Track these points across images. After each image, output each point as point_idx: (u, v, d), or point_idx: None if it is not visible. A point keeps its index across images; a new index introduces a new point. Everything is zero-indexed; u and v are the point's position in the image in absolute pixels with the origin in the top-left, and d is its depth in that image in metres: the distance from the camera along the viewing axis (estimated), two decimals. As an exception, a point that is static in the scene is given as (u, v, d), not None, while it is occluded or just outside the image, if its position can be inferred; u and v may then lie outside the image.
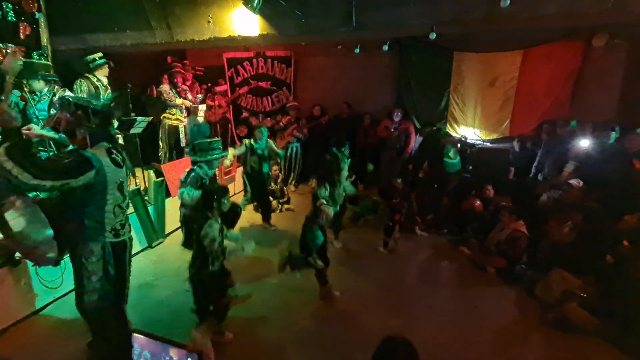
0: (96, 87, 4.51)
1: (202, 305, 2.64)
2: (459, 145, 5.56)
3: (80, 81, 4.47)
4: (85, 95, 4.30)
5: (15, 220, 2.35)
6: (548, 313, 3.10)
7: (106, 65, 4.62)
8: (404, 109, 6.69)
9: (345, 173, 3.57)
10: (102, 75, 4.60)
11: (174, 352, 1.00)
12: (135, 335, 1.04)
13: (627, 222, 3.46)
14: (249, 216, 5.22)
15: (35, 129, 3.44)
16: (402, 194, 4.62)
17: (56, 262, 2.33)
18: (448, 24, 4.58)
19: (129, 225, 2.46)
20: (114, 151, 2.25)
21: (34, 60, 4.15)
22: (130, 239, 2.47)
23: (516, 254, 3.83)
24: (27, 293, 3.07)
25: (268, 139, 4.96)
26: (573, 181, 4.25)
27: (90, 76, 4.54)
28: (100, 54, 4.62)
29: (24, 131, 3.61)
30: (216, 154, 3.55)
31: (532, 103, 6.03)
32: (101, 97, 4.52)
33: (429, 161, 5.64)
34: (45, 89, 3.85)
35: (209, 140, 3.55)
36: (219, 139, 3.84)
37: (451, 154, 5.28)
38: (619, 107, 5.58)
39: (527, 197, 4.95)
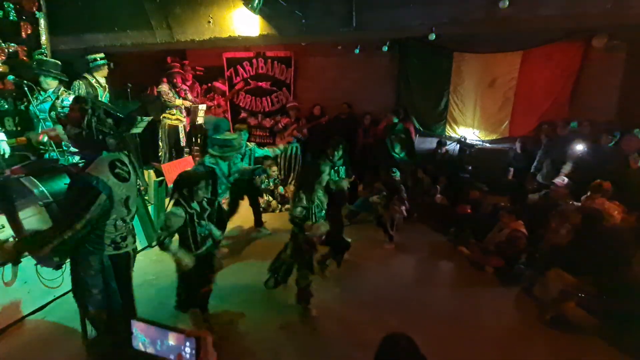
0: (94, 88, 4.50)
1: (183, 296, 2.69)
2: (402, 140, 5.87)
3: (79, 82, 4.46)
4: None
5: (29, 219, 2.37)
6: (546, 312, 3.12)
7: (106, 66, 4.60)
8: (404, 109, 6.70)
9: (325, 176, 3.45)
10: (100, 76, 4.59)
11: (172, 337, 0.99)
12: (134, 322, 1.04)
13: (626, 220, 3.48)
14: (242, 221, 5.19)
15: (60, 132, 3.44)
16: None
17: (58, 266, 2.32)
18: (448, 24, 4.59)
19: (133, 236, 2.33)
20: (118, 164, 2.07)
21: (47, 59, 4.15)
22: (135, 250, 2.36)
23: (515, 253, 3.84)
24: (28, 292, 3.08)
25: (248, 143, 4.70)
26: (557, 180, 4.31)
27: (88, 77, 4.53)
28: (102, 55, 4.61)
29: (46, 131, 3.65)
30: (228, 151, 3.76)
31: (532, 104, 6.04)
32: (99, 97, 4.51)
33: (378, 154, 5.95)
34: (51, 90, 3.88)
35: (223, 137, 3.73)
36: (236, 136, 4.05)
37: (397, 149, 5.60)
38: (618, 107, 5.60)
39: (525, 197, 4.98)
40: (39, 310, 3.15)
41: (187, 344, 0.97)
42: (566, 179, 4.29)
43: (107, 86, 4.69)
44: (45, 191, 2.50)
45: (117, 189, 2.03)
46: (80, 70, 4.64)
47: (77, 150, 2.14)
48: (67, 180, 2.37)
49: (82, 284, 2.18)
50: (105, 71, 4.62)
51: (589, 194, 3.97)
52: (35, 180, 2.55)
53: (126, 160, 2.16)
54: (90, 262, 2.12)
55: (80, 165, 2.22)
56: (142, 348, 1.03)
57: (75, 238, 1.96)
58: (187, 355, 0.98)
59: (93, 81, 4.53)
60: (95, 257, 2.12)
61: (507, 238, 3.90)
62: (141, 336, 1.03)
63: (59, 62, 4.07)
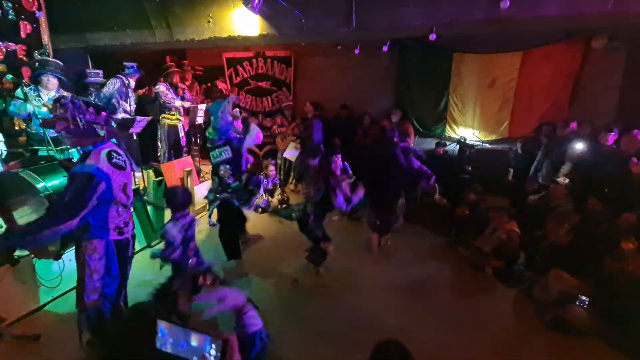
0: (127, 88, 5.14)
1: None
2: None
3: (115, 80, 5.02)
4: (114, 93, 4.96)
5: (25, 217, 2.39)
6: (546, 314, 3.11)
7: (138, 74, 5.28)
8: (403, 109, 6.70)
9: None
10: (132, 80, 5.25)
11: (195, 339, 0.99)
12: (159, 321, 1.03)
13: (626, 219, 3.47)
14: (257, 223, 5.17)
15: None
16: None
17: (57, 256, 2.36)
18: (448, 25, 4.59)
19: (133, 222, 2.46)
20: (114, 154, 2.20)
21: (49, 58, 4.40)
22: (134, 236, 2.49)
23: (510, 253, 3.83)
24: (27, 292, 3.07)
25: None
26: (559, 179, 4.31)
27: (123, 77, 5.10)
28: (136, 64, 5.29)
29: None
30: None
31: (531, 104, 6.04)
32: (129, 98, 5.18)
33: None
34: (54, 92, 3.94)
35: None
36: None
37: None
38: (618, 108, 5.60)
39: (525, 198, 4.98)
40: (39, 309, 3.14)
41: (213, 346, 0.97)
42: (567, 180, 4.29)
43: (133, 88, 5.37)
44: (47, 185, 2.53)
45: (115, 177, 2.16)
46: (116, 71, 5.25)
47: (75, 145, 2.26)
48: (65, 174, 2.41)
49: (84, 269, 2.26)
50: (136, 77, 5.31)
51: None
52: (35, 175, 2.57)
53: (120, 150, 2.27)
54: (95, 246, 2.24)
55: (74, 160, 2.29)
56: (165, 348, 1.02)
57: (75, 226, 2.01)
58: (212, 358, 0.97)
59: (127, 82, 5.15)
60: (101, 241, 2.24)
61: (502, 239, 3.88)
62: (165, 336, 1.02)
63: (61, 62, 4.17)
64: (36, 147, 3.98)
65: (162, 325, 1.03)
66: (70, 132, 2.13)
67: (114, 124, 2.37)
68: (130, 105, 5.27)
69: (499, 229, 3.93)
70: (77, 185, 2.06)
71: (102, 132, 2.19)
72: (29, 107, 3.81)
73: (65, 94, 3.98)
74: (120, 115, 4.88)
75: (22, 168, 2.68)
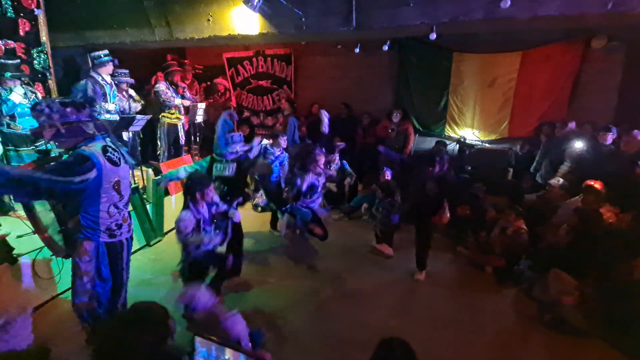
0: (101, 86, 4.55)
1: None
2: None
3: (86, 81, 4.50)
4: (87, 90, 4.41)
5: (44, 213, 2.40)
6: (546, 314, 3.12)
7: (111, 63, 4.61)
8: (403, 109, 6.70)
9: None
10: (105, 73, 4.61)
11: (229, 354, 1.03)
12: (197, 337, 1.05)
13: (622, 220, 3.47)
14: (258, 221, 5.15)
15: None
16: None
17: (66, 255, 2.36)
18: (448, 24, 4.59)
19: (129, 225, 2.39)
20: (110, 149, 2.17)
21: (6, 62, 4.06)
22: (129, 239, 2.41)
23: (520, 251, 3.82)
24: (27, 291, 3.06)
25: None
26: (552, 181, 4.30)
27: (95, 76, 4.56)
28: (106, 51, 4.61)
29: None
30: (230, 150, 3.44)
31: (531, 104, 6.05)
32: (108, 95, 4.59)
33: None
34: (22, 92, 3.93)
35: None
36: (240, 133, 3.59)
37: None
38: (618, 108, 5.61)
39: (523, 197, 4.98)
40: (38, 308, 3.13)
41: None
42: (561, 180, 4.28)
43: (113, 83, 4.72)
44: None
45: (107, 171, 2.13)
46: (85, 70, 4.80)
47: (67, 146, 2.20)
48: None
49: (75, 271, 2.25)
50: (110, 68, 4.64)
51: (582, 196, 3.92)
52: None
53: (115, 146, 2.25)
54: (86, 248, 2.20)
55: None
56: None
57: (50, 192, 1.97)
58: None
59: (99, 79, 4.56)
60: (92, 243, 2.20)
61: (513, 235, 3.83)
62: (202, 351, 1.04)
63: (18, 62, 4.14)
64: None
65: (198, 341, 1.05)
66: (59, 137, 2.10)
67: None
68: (112, 104, 4.69)
69: (509, 227, 3.91)
70: (69, 160, 2.05)
71: (90, 131, 2.15)
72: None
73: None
74: (104, 117, 4.51)
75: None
